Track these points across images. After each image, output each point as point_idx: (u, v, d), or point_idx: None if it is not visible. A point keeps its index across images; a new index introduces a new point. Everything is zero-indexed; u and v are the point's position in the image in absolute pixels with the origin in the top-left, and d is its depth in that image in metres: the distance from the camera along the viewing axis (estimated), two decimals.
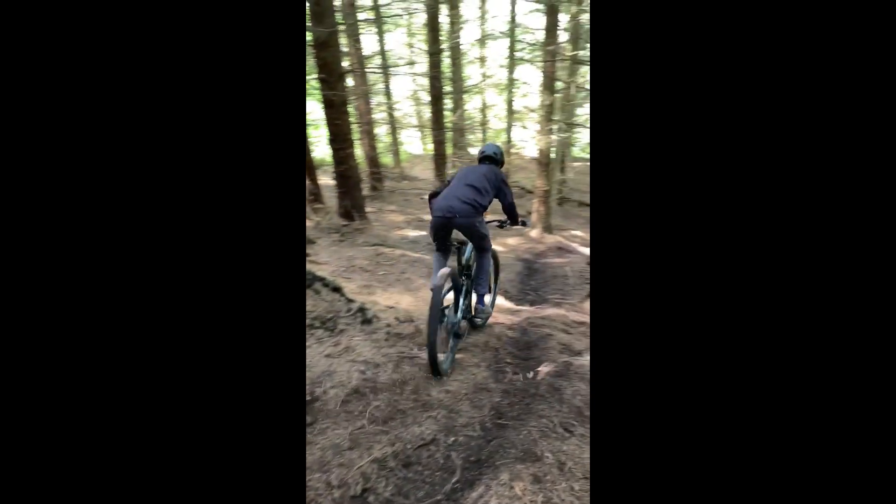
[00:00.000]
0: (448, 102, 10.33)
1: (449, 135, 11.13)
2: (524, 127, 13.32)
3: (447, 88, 9.57)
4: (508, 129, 12.98)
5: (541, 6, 8.35)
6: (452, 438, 1.85)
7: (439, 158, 7.13)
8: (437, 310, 2.19)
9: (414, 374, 2.35)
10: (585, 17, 7.00)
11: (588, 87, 11.67)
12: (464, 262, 2.74)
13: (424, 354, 2.55)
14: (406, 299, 3.78)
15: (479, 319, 2.86)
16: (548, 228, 8.00)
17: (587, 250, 7.45)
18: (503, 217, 2.91)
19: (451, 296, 2.52)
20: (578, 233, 8.87)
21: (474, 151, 11.35)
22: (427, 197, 2.70)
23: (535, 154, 8.84)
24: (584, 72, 12.19)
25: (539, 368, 2.55)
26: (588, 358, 2.59)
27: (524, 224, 3.02)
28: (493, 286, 3.27)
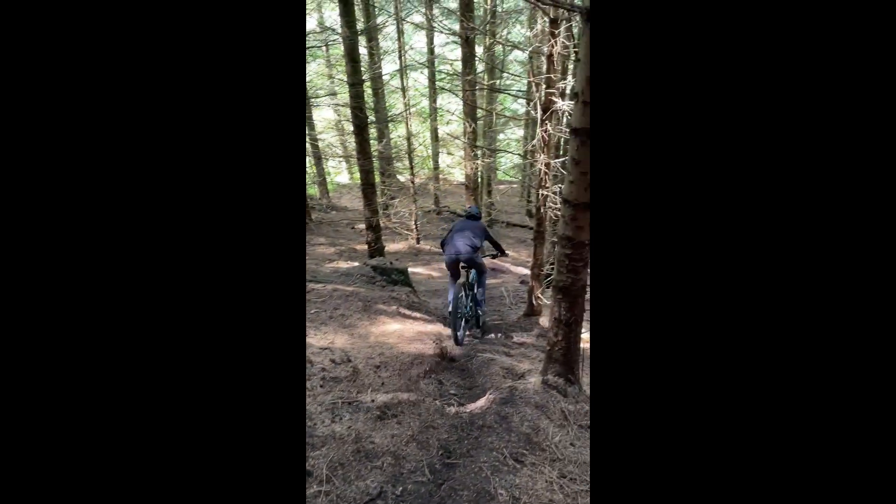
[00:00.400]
0: (373, 132, 10.33)
1: (376, 164, 11.08)
2: (450, 153, 13.63)
3: (371, 118, 9.59)
4: (435, 157, 13.21)
5: (456, 38, 8.70)
6: (401, 488, 1.72)
7: (368, 188, 7.03)
8: (456, 308, 3.87)
9: (355, 420, 2.19)
10: (499, 49, 7.36)
11: (507, 113, 12.24)
12: (469, 281, 4.32)
13: (363, 397, 2.41)
14: (342, 338, 3.59)
15: (482, 318, 4.56)
16: None
17: (519, 269, 7.65)
18: (493, 251, 4.56)
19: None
20: (509, 252, 9.11)
21: (402, 178, 11.38)
22: (440, 244, 4.36)
23: (463, 179, 9.03)
24: (503, 98, 12.79)
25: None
26: (533, 380, 2.59)
27: (505, 254, 4.59)
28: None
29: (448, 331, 4.11)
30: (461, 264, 4.08)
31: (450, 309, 4.02)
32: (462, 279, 4.22)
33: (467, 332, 4.27)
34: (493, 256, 4.64)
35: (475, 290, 4.36)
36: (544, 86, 3.83)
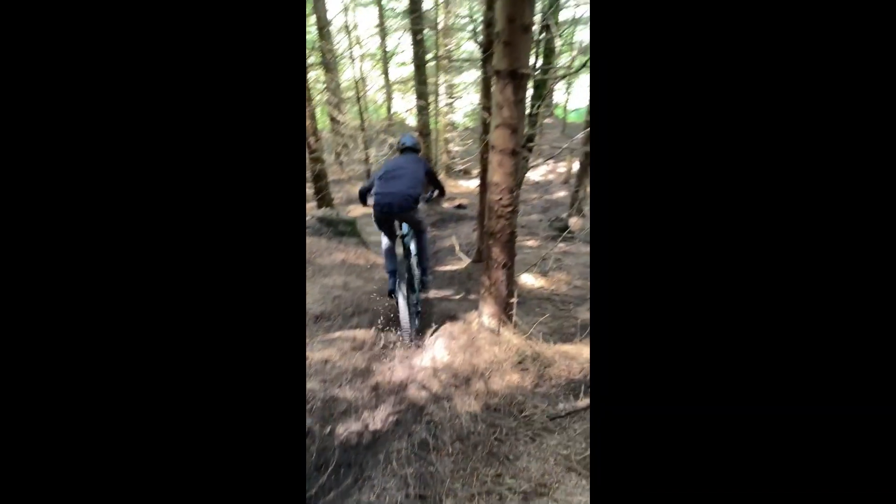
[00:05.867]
0: (318, 74, 9.68)
1: (324, 109, 10.49)
2: (403, 98, 13.05)
3: (313, 59, 8.93)
4: (388, 102, 12.62)
5: None
6: None
7: (310, 134, 6.63)
8: (395, 286, 2.95)
9: None
10: None
11: (465, 55, 11.70)
12: (405, 244, 3.12)
13: None
14: None
15: (426, 286, 3.45)
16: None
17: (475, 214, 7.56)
18: (431, 192, 3.31)
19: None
20: (466, 201, 8.99)
21: (350, 124, 10.85)
22: (358, 194, 3.07)
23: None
24: (461, 39, 12.18)
25: None
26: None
27: (444, 193, 3.36)
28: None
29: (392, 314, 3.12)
30: (395, 220, 2.90)
31: (389, 287, 2.98)
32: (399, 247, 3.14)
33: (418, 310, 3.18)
34: (428, 200, 3.34)
35: (412, 257, 3.12)
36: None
